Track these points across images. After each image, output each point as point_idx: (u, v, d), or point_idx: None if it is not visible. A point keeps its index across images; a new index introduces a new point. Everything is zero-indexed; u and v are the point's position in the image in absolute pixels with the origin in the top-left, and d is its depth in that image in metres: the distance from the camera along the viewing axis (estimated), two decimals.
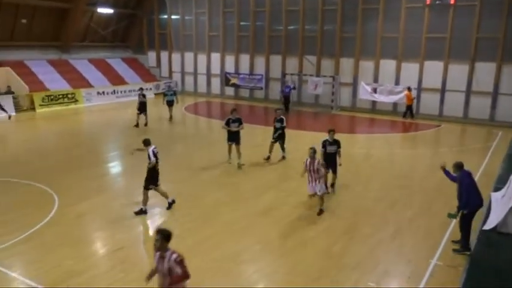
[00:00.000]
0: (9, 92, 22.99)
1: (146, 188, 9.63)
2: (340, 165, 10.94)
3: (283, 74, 26.57)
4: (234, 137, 13.30)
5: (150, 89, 29.97)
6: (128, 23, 32.25)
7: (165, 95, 21.58)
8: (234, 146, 13.39)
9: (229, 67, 29.31)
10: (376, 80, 24.07)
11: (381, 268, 7.47)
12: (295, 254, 7.91)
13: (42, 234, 8.57)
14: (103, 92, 27.19)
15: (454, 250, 7.93)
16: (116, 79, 29.25)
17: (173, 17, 31.17)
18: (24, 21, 26.00)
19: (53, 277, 6.92)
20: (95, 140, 17.53)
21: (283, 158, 14.32)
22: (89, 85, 27.15)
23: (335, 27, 24.92)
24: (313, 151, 9.59)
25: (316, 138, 17.75)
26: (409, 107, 22.37)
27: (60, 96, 24.80)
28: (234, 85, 28.95)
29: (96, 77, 28.35)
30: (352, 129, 21.78)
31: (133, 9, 31.73)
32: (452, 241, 8.24)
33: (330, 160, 10.64)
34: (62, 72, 26.98)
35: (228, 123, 13.20)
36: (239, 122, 13.22)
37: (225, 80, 29.19)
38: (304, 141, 17.00)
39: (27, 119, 21.65)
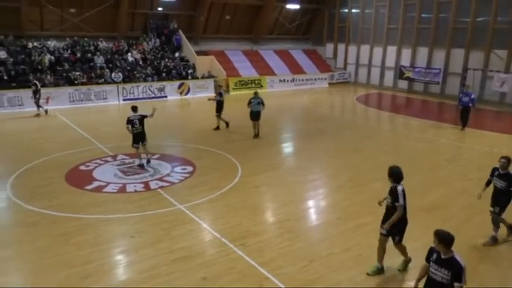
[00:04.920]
0: (210, 76, 26.12)
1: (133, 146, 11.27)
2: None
3: (465, 69, 23.58)
4: (500, 199, 7.36)
5: (325, 78, 30.46)
6: (311, 17, 32.96)
7: (249, 102, 14.84)
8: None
9: (405, 60, 27.44)
10: None
11: None
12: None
13: (227, 196, 9.54)
14: (284, 80, 28.66)
15: None
16: (296, 68, 30.47)
17: (353, 10, 30.61)
18: (228, 17, 29.11)
19: (234, 234, 7.66)
20: (273, 121, 18.61)
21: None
22: (272, 73, 28.98)
23: None
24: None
25: (498, 140, 15.59)
26: None
27: (249, 81, 27.12)
28: (408, 78, 27.05)
29: (279, 66, 30.05)
30: None
31: (317, 4, 32.23)
32: None
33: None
34: (252, 61, 29.45)
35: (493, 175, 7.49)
36: (509, 179, 7.23)
37: (399, 73, 27.49)
38: (484, 141, 14.99)
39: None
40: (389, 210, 6.35)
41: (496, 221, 7.48)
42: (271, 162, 12.24)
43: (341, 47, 32.13)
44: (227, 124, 16.16)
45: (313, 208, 9.37)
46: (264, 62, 29.94)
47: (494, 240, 7.48)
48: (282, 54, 31.38)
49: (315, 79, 30.12)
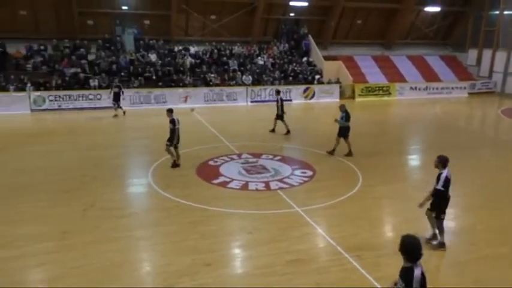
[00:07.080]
0: (337, 81, 25.87)
1: (168, 145, 11.58)
2: None
3: None
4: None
5: (465, 88, 27.71)
6: (452, 20, 30.28)
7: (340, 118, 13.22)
8: None
9: None
10: None
11: None
12: None
13: (345, 204, 9.36)
14: (415, 88, 26.92)
15: None
16: (430, 76, 28.34)
17: (505, 12, 27.15)
18: (359, 22, 28.50)
19: (349, 243, 7.47)
20: (400, 130, 17.62)
21: None
22: (403, 80, 27.43)
23: None
24: None
25: None
26: None
27: (377, 88, 26.14)
28: None
29: (411, 72, 28.32)
30: None
31: (461, 6, 29.48)
32: None
33: None
34: (381, 66, 28.30)
35: None
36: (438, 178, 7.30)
37: None
38: None
39: (347, 105, 23.78)
40: None
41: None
42: (395, 174, 11.61)
43: (486, 53, 28.82)
44: (278, 130, 16.09)
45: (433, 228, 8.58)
46: (395, 68, 28.49)
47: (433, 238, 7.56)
48: (415, 60, 29.45)
49: (452, 88, 27.58)
